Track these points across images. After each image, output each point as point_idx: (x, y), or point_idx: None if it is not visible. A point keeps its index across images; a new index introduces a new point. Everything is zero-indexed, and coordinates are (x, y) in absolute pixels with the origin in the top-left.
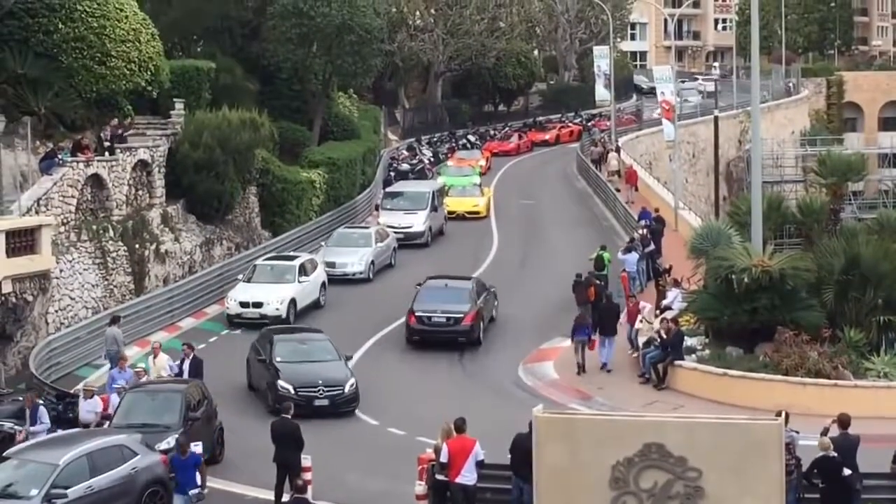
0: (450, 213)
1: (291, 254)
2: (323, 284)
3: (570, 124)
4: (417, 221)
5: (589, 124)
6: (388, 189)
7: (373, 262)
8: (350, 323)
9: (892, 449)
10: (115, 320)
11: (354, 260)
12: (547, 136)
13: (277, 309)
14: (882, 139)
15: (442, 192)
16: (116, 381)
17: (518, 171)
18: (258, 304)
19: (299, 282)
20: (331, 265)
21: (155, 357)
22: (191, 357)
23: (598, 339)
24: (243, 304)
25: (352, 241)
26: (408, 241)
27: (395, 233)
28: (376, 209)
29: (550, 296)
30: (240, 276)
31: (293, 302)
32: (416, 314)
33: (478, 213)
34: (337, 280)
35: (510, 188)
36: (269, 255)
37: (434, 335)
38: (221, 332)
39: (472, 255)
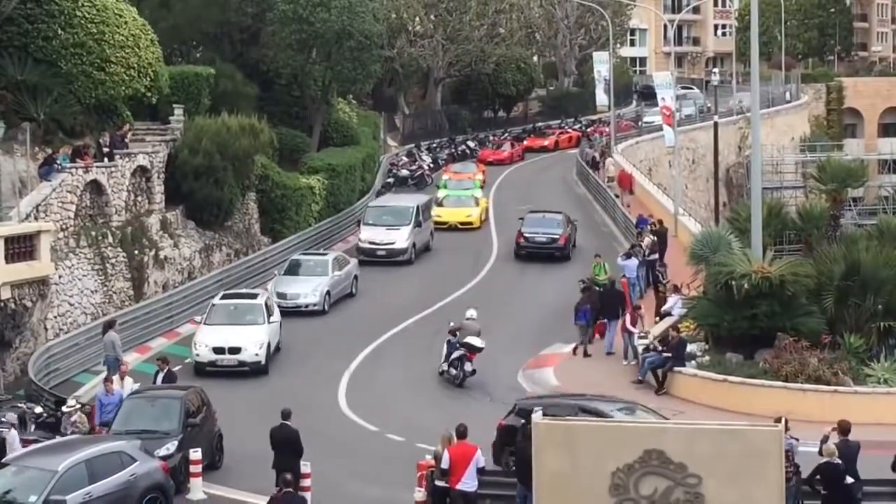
0: (441, 223)
1: (250, 291)
2: (280, 325)
3: (568, 130)
4: (400, 238)
5: (588, 130)
6: (370, 204)
7: (328, 293)
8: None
9: (891, 456)
10: (110, 325)
11: (308, 290)
12: (546, 142)
13: (257, 354)
14: (882, 145)
15: (429, 207)
16: (104, 405)
17: (517, 178)
18: (235, 350)
19: (269, 322)
20: (282, 296)
21: (122, 380)
22: (165, 371)
23: (607, 324)
24: (217, 350)
25: (307, 270)
26: (390, 259)
27: (378, 250)
28: (358, 225)
29: (550, 302)
30: (197, 318)
31: (268, 346)
32: (524, 235)
33: (471, 223)
34: (288, 313)
35: (509, 194)
36: (225, 293)
37: (537, 250)
38: None
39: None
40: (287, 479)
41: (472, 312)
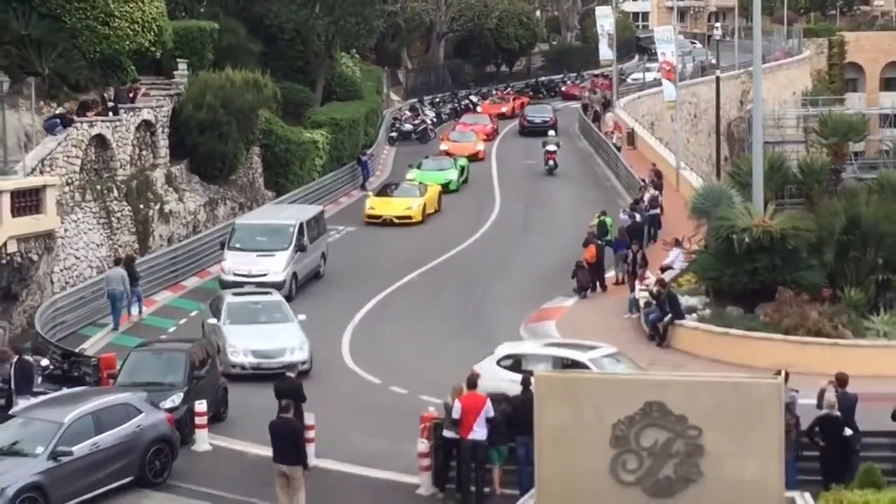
0: (373, 217)
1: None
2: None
3: (521, 97)
4: (275, 267)
5: (582, 85)
6: (238, 220)
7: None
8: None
9: (890, 408)
10: (126, 261)
11: (294, 345)
12: (504, 109)
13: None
14: (883, 99)
15: (319, 221)
16: None
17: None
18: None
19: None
20: (262, 355)
21: None
22: (14, 360)
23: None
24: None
25: (256, 316)
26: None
27: (244, 283)
28: (221, 247)
29: (552, 256)
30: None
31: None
32: (527, 118)
33: (410, 217)
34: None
35: (511, 147)
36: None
37: (535, 128)
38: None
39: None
40: (284, 405)
41: (552, 133)
